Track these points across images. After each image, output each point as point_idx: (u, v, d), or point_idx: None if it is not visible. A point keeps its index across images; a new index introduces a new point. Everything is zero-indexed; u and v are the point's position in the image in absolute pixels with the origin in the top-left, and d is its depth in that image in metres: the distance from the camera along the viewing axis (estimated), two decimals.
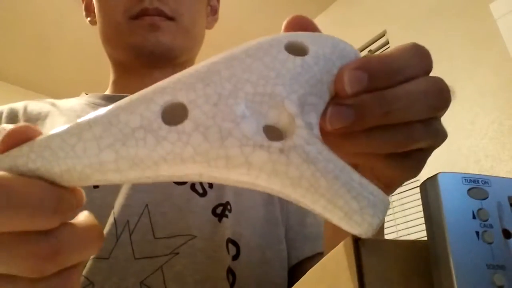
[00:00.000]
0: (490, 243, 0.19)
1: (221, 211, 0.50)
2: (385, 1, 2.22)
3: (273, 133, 0.20)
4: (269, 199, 0.55)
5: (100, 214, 0.46)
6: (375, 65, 0.21)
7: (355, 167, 0.27)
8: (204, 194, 0.51)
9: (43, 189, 0.18)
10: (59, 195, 0.18)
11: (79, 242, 0.19)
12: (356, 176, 0.19)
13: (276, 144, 0.19)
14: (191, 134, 0.19)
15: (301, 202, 0.19)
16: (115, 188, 0.49)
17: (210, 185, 0.52)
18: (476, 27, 1.77)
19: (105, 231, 0.45)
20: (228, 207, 0.51)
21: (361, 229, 0.18)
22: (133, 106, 0.19)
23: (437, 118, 0.23)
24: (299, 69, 0.21)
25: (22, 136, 0.19)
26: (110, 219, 0.46)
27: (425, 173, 0.23)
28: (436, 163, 1.73)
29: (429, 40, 1.93)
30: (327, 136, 0.21)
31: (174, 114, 0.19)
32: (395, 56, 0.22)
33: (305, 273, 0.25)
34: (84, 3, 0.65)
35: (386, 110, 0.21)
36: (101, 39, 0.59)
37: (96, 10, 0.59)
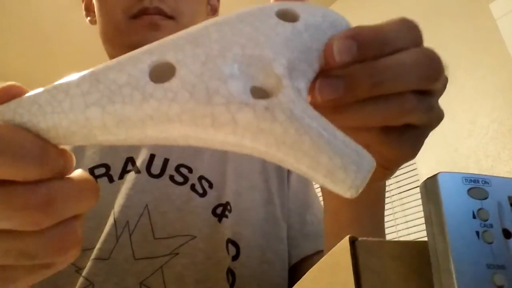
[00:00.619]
0: (490, 243, 0.19)
1: (221, 211, 0.50)
2: (385, 1, 2.22)
3: (260, 94, 0.20)
4: (269, 199, 0.55)
5: (100, 215, 0.46)
6: (364, 34, 0.21)
7: None
8: (204, 194, 0.51)
9: (26, 137, 0.18)
10: (42, 145, 0.19)
11: (72, 192, 0.19)
12: (340, 134, 0.19)
13: (262, 102, 0.19)
14: (178, 92, 0.19)
15: (285, 162, 0.19)
16: (115, 189, 0.49)
17: (210, 185, 0.52)
18: (476, 27, 1.77)
19: (105, 231, 0.45)
20: (228, 207, 0.51)
21: (345, 186, 0.18)
22: (121, 65, 0.20)
23: (432, 94, 0.23)
24: (288, 34, 0.21)
25: (9, 94, 0.19)
26: (110, 220, 0.46)
27: (425, 173, 0.23)
28: (436, 163, 1.73)
29: (429, 40, 1.93)
30: (318, 110, 0.21)
31: (162, 74, 0.19)
32: (384, 27, 0.22)
33: (306, 272, 0.25)
34: (84, 2, 0.65)
35: (376, 81, 0.20)
36: (101, 38, 0.59)
37: (96, 10, 0.59)
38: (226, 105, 0.18)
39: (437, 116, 0.24)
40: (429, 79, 0.22)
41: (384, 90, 0.21)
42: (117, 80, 0.19)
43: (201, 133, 0.19)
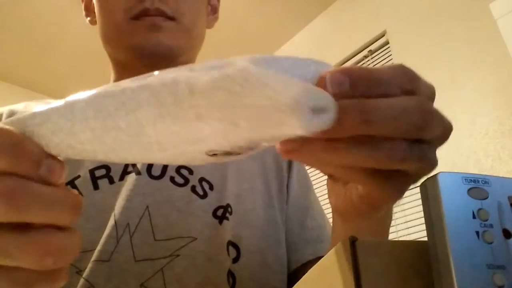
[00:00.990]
0: (490, 243, 0.19)
1: (221, 214, 0.50)
2: (385, 1, 2.22)
3: None
4: (270, 202, 0.55)
5: (101, 216, 0.46)
6: (357, 72, 0.21)
7: (342, 181, 0.28)
8: (204, 196, 0.51)
9: (2, 129, 0.20)
10: (19, 137, 0.20)
11: (46, 196, 0.20)
12: (294, 78, 0.20)
13: (218, 69, 0.20)
14: (151, 81, 0.21)
15: (241, 119, 0.19)
16: (115, 190, 0.49)
17: (211, 187, 0.52)
18: (476, 27, 1.77)
19: (106, 233, 0.45)
20: (229, 209, 0.51)
21: (296, 117, 0.18)
22: None
23: (428, 143, 0.23)
24: (266, 57, 0.22)
25: None
26: (111, 222, 0.46)
27: None
28: None
29: (429, 40, 1.93)
30: (310, 147, 0.21)
31: None
32: (379, 70, 0.22)
33: None
34: (84, 2, 0.65)
35: (366, 118, 0.20)
36: (102, 39, 0.59)
37: (96, 10, 0.59)
38: (186, 81, 0.20)
39: (430, 166, 0.23)
40: (419, 128, 0.22)
41: (373, 130, 0.21)
42: (107, 85, 0.22)
43: (166, 116, 0.20)
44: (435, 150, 0.24)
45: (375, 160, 0.22)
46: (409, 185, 0.24)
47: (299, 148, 0.21)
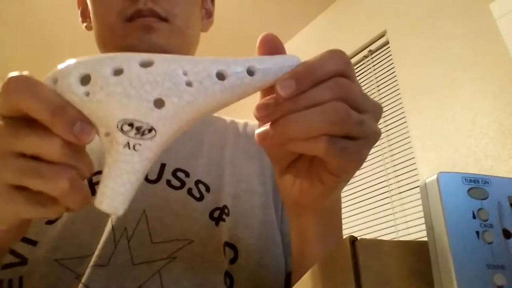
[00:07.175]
0: (490, 243, 0.19)
1: (218, 215, 0.50)
2: (385, 1, 2.22)
3: None
4: (266, 202, 0.55)
5: (99, 221, 0.46)
6: (300, 72, 0.27)
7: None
8: (201, 198, 0.51)
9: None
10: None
11: (70, 153, 0.27)
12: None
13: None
14: None
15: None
16: None
17: (207, 189, 0.52)
18: (476, 27, 1.77)
19: (103, 238, 0.45)
20: (226, 210, 0.51)
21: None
22: None
23: (354, 139, 0.28)
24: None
25: None
26: (108, 226, 0.46)
27: (425, 173, 0.23)
28: (436, 163, 1.73)
29: (429, 40, 1.93)
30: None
31: None
32: (315, 61, 0.27)
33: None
34: (80, 9, 0.65)
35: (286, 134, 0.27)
36: (97, 43, 0.59)
37: (91, 14, 0.59)
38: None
39: (372, 131, 0.28)
40: (335, 124, 0.26)
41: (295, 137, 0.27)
42: None
43: None
44: (363, 145, 0.28)
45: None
46: (362, 151, 0.28)
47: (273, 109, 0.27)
